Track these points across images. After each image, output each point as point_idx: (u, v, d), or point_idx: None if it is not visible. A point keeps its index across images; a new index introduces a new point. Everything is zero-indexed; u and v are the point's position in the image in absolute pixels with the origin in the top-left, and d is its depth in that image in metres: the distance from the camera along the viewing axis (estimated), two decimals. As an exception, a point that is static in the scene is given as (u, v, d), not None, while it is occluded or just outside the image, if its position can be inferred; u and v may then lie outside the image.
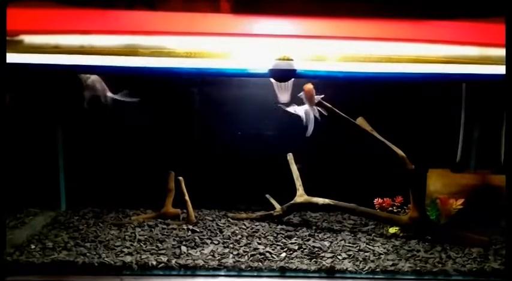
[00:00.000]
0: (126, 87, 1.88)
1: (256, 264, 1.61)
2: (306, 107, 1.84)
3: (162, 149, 2.22)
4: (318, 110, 1.84)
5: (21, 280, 1.54)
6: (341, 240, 1.85)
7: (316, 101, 1.82)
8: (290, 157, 2.11)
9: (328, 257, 1.67)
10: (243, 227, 1.99)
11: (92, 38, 1.46)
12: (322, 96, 1.82)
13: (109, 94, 1.84)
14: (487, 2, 1.64)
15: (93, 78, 1.81)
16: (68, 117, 2.16)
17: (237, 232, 1.92)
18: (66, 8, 1.51)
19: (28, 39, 1.46)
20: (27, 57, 1.46)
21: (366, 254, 1.71)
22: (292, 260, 1.65)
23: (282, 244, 1.79)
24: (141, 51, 1.47)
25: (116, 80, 1.89)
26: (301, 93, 1.82)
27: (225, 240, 1.82)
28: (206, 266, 1.60)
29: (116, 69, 1.49)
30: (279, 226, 2.01)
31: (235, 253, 1.70)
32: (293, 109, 1.84)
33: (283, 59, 1.51)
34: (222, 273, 1.60)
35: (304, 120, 1.84)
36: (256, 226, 2.01)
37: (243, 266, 1.60)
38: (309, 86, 1.80)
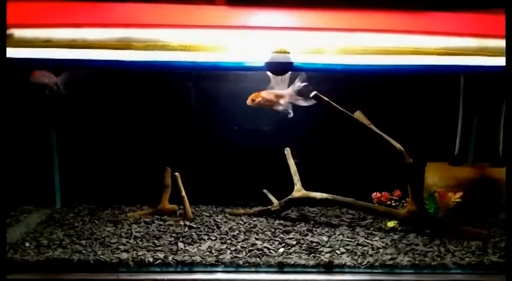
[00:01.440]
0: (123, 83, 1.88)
1: (254, 260, 1.60)
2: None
3: (158, 145, 2.20)
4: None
5: (22, 278, 1.53)
6: (339, 235, 1.84)
7: (291, 98, 1.85)
8: (287, 151, 2.10)
9: (326, 252, 1.66)
10: (241, 222, 1.98)
11: (84, 32, 1.44)
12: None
13: (58, 83, 1.89)
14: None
15: (37, 72, 1.86)
16: (61, 113, 2.13)
17: (234, 227, 1.91)
18: (57, 1, 1.48)
19: (18, 33, 1.43)
20: (17, 51, 1.43)
21: (364, 248, 1.70)
22: (291, 256, 1.64)
23: (280, 239, 1.78)
24: (135, 45, 1.45)
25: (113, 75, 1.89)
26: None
27: (222, 236, 1.81)
28: (203, 262, 1.59)
29: (109, 63, 1.47)
30: (277, 221, 2.00)
31: (232, 248, 1.69)
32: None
33: (280, 52, 1.49)
34: (220, 269, 1.58)
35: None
36: (254, 221, 1.99)
37: (240, 262, 1.59)
38: (251, 102, 1.85)
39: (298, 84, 1.82)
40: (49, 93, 1.88)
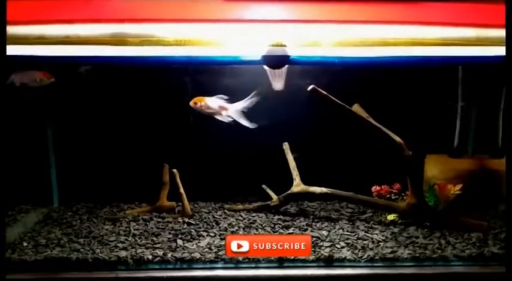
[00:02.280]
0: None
1: (253, 255, 1.59)
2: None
3: (155, 141, 2.18)
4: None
5: (20, 278, 1.52)
6: (339, 229, 1.83)
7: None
8: (286, 146, 2.09)
9: (326, 247, 1.65)
10: (240, 218, 1.97)
11: (77, 28, 1.42)
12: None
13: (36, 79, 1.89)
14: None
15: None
16: (58, 111, 2.12)
17: (233, 223, 1.90)
18: (50, -3, 1.46)
19: (11, 30, 1.41)
20: (10, 49, 1.40)
21: (364, 242, 1.70)
22: (291, 251, 1.63)
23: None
24: (129, 40, 1.43)
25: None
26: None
27: (221, 232, 1.80)
28: (203, 259, 1.58)
29: (103, 60, 1.45)
30: (276, 217, 1.99)
31: (232, 244, 1.68)
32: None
33: (277, 45, 1.47)
34: (219, 265, 1.57)
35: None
36: (253, 217, 1.98)
37: (240, 258, 1.58)
38: (193, 105, 1.85)
39: (247, 105, 1.84)
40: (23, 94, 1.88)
